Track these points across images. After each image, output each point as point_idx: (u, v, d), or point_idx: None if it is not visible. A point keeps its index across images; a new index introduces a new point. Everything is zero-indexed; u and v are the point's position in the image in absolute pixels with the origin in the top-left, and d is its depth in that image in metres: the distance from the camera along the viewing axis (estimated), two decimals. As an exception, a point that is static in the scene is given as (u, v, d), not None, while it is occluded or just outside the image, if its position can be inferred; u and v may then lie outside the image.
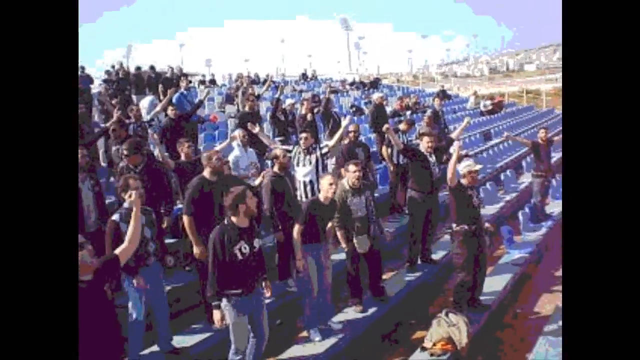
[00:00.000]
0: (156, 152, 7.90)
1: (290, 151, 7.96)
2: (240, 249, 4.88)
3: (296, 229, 6.09)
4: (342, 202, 6.58)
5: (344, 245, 6.66)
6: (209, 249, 4.99)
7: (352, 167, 6.68)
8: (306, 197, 7.67)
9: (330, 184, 6.15)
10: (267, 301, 5.45)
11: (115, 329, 3.80)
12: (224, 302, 4.97)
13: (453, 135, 9.16)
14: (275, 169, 7.08)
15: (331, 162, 9.55)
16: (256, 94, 13.33)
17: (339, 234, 6.63)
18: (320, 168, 8.05)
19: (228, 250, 4.84)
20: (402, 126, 11.00)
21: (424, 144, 8.11)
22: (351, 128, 9.45)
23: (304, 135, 8.23)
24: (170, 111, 10.28)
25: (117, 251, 3.99)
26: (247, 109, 10.90)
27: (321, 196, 6.24)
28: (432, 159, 8.12)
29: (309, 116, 11.46)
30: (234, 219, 4.93)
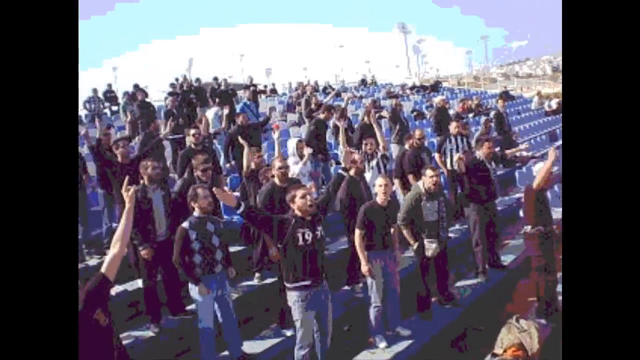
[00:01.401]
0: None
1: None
2: (302, 235, 5.00)
3: (356, 234, 6.14)
4: (415, 203, 6.64)
5: (411, 242, 6.70)
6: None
7: (429, 172, 6.73)
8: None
9: (383, 186, 6.18)
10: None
11: (118, 354, 3.50)
12: (294, 295, 5.10)
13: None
14: (352, 172, 7.14)
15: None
16: (319, 102, 13.45)
17: (404, 232, 6.68)
18: (382, 172, 8.06)
19: (291, 235, 4.99)
20: (456, 130, 10.45)
21: (484, 151, 7.99)
22: (417, 134, 9.42)
23: (367, 141, 8.31)
24: (240, 119, 10.43)
25: (104, 268, 3.57)
26: (321, 116, 10.93)
27: (378, 199, 6.25)
28: (491, 165, 8.02)
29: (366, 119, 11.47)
30: (296, 212, 5.11)
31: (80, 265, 7.30)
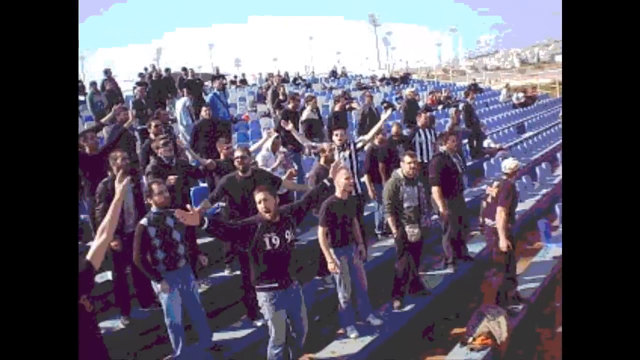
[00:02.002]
0: (187, 154, 8.04)
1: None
2: (269, 239, 4.90)
3: (319, 231, 6.07)
4: (395, 190, 6.67)
5: (394, 230, 6.75)
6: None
7: (407, 158, 6.76)
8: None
9: (347, 179, 6.11)
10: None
11: (95, 342, 3.57)
12: (263, 295, 5.05)
13: (366, 137, 8.73)
14: (321, 162, 7.13)
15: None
16: (287, 92, 13.44)
17: (389, 219, 6.75)
18: (355, 164, 8.06)
19: (258, 240, 4.88)
20: (424, 122, 10.45)
21: (449, 144, 8.01)
22: (393, 130, 9.48)
23: (339, 131, 8.22)
24: (204, 112, 10.39)
25: (89, 255, 3.61)
26: (290, 107, 10.98)
27: (338, 193, 6.13)
28: (457, 159, 8.09)
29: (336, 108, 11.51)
30: (263, 214, 4.99)
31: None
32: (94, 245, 3.72)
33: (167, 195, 5.63)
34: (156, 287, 5.54)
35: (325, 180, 5.65)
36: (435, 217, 8.57)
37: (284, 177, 6.82)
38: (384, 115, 9.05)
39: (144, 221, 5.47)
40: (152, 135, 8.51)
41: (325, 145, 7.35)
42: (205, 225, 4.70)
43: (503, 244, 6.50)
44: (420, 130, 10.11)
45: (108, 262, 6.40)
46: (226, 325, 6.39)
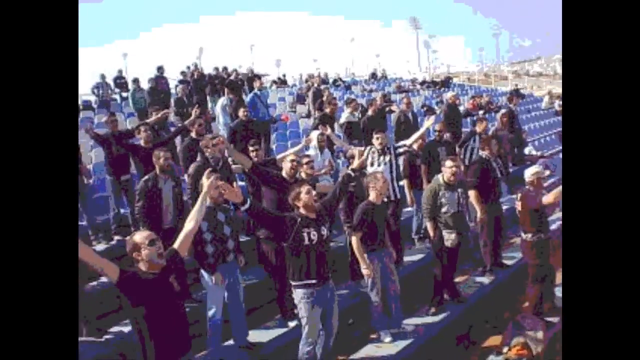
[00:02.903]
0: (226, 154, 8.09)
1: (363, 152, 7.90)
2: (308, 234, 4.97)
3: (354, 237, 6.06)
4: (434, 195, 6.62)
5: (431, 234, 6.71)
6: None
7: (449, 163, 6.71)
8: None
9: (385, 182, 6.14)
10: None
11: (182, 320, 3.95)
12: (300, 292, 5.09)
13: (408, 142, 8.58)
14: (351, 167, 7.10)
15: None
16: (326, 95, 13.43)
17: (428, 224, 6.70)
18: (394, 169, 8.00)
19: (297, 235, 4.95)
20: (478, 128, 10.46)
21: (490, 149, 7.93)
22: (437, 127, 9.32)
23: (380, 135, 8.12)
24: (241, 113, 10.43)
25: (176, 244, 4.10)
26: (328, 111, 10.87)
27: (373, 197, 6.15)
28: (497, 164, 7.99)
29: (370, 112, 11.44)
30: (301, 211, 5.08)
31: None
32: (182, 233, 4.16)
33: (221, 191, 5.74)
34: (205, 278, 5.66)
35: (349, 171, 5.68)
36: (471, 224, 8.50)
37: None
38: (426, 123, 8.89)
39: None
40: (193, 134, 8.61)
41: (355, 150, 7.29)
42: (247, 205, 4.78)
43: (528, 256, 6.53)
44: (477, 137, 10.02)
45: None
46: (260, 324, 6.43)
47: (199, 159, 7.35)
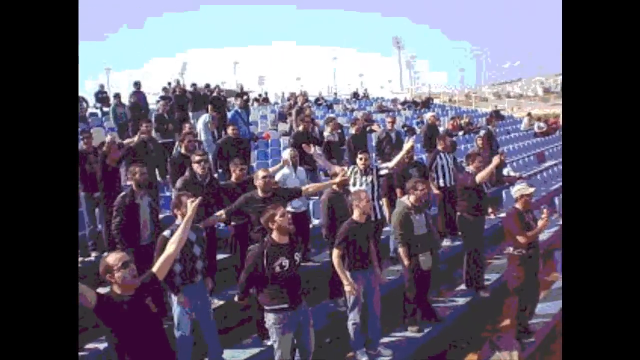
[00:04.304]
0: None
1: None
2: (280, 265, 4.98)
3: (335, 254, 6.05)
4: (405, 219, 6.61)
5: (405, 262, 6.65)
6: (246, 262, 5.17)
7: (420, 186, 6.72)
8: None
9: (368, 201, 6.15)
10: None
11: (161, 339, 3.92)
12: (272, 317, 5.07)
13: (390, 164, 8.55)
14: (334, 186, 7.12)
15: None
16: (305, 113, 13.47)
17: (401, 250, 6.65)
18: (376, 189, 8.02)
19: (268, 267, 4.96)
20: (439, 146, 10.32)
21: (476, 165, 8.05)
22: (408, 148, 9.36)
23: (363, 155, 8.12)
24: (230, 130, 10.39)
25: (155, 268, 4.06)
26: (300, 129, 10.91)
27: (356, 215, 6.15)
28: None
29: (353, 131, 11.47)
30: (273, 236, 5.07)
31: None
32: (162, 256, 4.14)
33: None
34: (174, 299, 5.59)
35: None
36: (446, 243, 8.56)
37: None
38: (406, 145, 8.93)
39: (166, 233, 5.48)
40: (182, 150, 8.57)
41: (337, 168, 7.33)
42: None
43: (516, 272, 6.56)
44: (441, 154, 10.06)
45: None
46: (236, 343, 6.38)
47: (187, 174, 7.32)
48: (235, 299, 5.34)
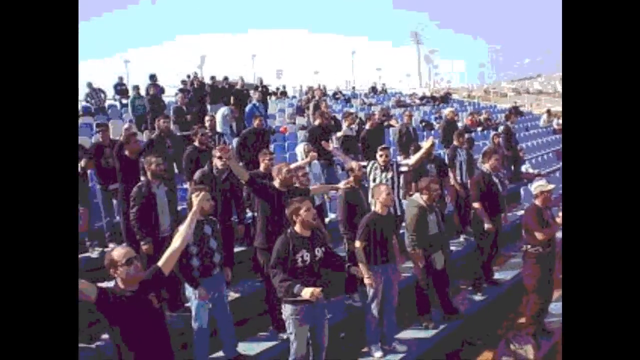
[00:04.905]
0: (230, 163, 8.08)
1: (365, 166, 7.93)
2: (301, 257, 5.00)
3: (357, 245, 6.09)
4: (421, 218, 6.59)
5: (420, 264, 6.63)
6: (272, 256, 5.13)
7: (434, 186, 6.70)
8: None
9: (387, 194, 6.15)
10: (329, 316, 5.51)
11: (162, 336, 3.91)
12: (289, 309, 5.09)
13: (410, 161, 8.41)
14: (350, 181, 7.12)
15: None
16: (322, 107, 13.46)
17: (416, 251, 6.61)
18: (396, 185, 7.98)
19: (290, 258, 4.97)
20: (456, 142, 10.26)
21: (491, 163, 7.98)
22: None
23: (383, 152, 8.09)
24: (257, 122, 10.39)
25: (160, 262, 4.04)
26: (317, 123, 10.90)
27: (378, 208, 6.19)
28: (498, 179, 8.00)
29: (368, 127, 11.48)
30: (296, 228, 5.08)
31: (82, 256, 7.34)
32: (168, 250, 4.10)
33: (212, 203, 5.75)
34: (193, 292, 5.63)
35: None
36: (462, 237, 8.48)
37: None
38: (427, 144, 8.86)
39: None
40: (196, 143, 8.60)
41: (354, 164, 7.31)
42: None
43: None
44: (459, 150, 10.01)
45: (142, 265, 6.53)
46: (252, 336, 6.42)
47: (206, 167, 7.35)
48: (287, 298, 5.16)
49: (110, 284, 3.87)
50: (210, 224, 5.75)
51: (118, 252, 3.77)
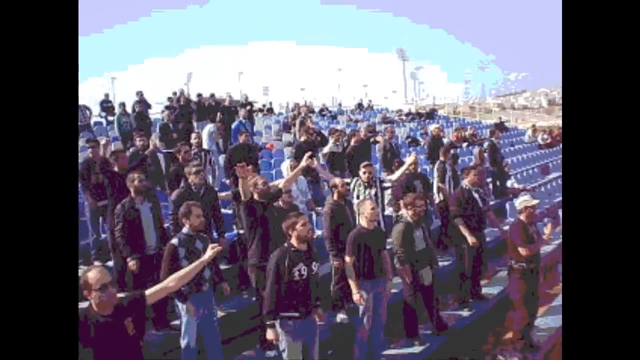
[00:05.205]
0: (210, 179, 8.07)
1: (349, 183, 7.94)
2: (299, 271, 4.99)
3: (347, 261, 6.10)
4: (407, 235, 6.59)
5: (408, 280, 6.62)
6: (268, 269, 5.13)
7: (419, 202, 6.72)
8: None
9: (372, 209, 6.16)
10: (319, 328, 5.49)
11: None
12: (280, 324, 5.07)
13: (393, 177, 8.65)
14: (335, 197, 7.15)
15: (387, 193, 9.46)
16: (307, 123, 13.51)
17: (404, 267, 6.60)
18: (380, 201, 7.99)
19: (288, 271, 4.97)
20: (442, 157, 10.50)
21: (470, 178, 8.01)
22: (412, 160, 9.35)
23: (366, 169, 8.14)
24: (242, 137, 10.40)
25: (149, 292, 3.93)
26: (302, 140, 10.91)
27: (364, 223, 6.20)
28: (477, 194, 8.02)
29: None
30: (292, 242, 5.09)
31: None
32: (160, 285, 4.04)
33: (203, 220, 5.76)
34: (182, 307, 5.61)
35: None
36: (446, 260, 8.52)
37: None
38: (409, 159, 8.93)
39: (174, 241, 5.58)
40: (181, 160, 8.59)
41: (337, 180, 7.35)
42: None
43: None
44: (447, 165, 10.11)
45: (128, 282, 6.49)
46: (236, 354, 6.37)
47: (182, 185, 7.35)
48: (266, 320, 5.18)
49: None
50: (202, 239, 5.74)
51: (93, 275, 3.60)
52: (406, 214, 6.73)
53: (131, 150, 10.19)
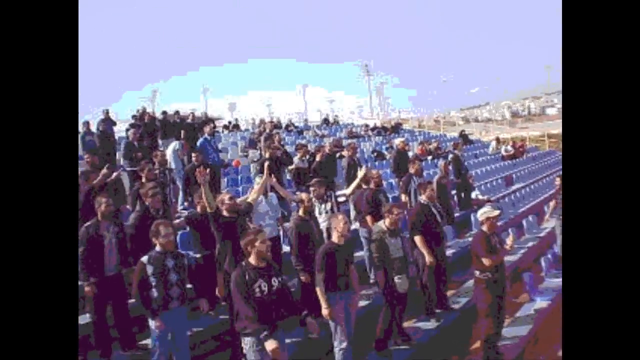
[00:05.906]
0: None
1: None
2: (259, 287, 5.00)
3: (317, 277, 6.11)
4: (380, 242, 6.67)
5: (382, 285, 6.70)
6: (232, 288, 5.13)
7: (395, 210, 6.82)
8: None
9: (345, 223, 6.21)
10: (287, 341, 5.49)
11: None
12: (248, 340, 5.05)
13: (347, 191, 8.90)
14: (300, 212, 7.18)
15: (351, 208, 9.52)
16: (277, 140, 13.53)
17: (378, 273, 6.69)
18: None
19: (247, 288, 4.98)
20: (411, 169, 10.80)
21: (428, 194, 8.11)
22: (374, 174, 9.42)
23: (313, 186, 8.27)
24: (193, 157, 10.41)
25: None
26: (267, 156, 10.96)
27: (335, 237, 6.24)
28: (436, 209, 8.11)
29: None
30: (250, 259, 5.10)
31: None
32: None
33: (173, 238, 5.74)
34: (152, 324, 5.57)
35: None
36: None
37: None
38: (360, 172, 9.07)
39: (144, 258, 5.58)
40: (144, 180, 8.52)
41: (304, 195, 7.42)
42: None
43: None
44: (414, 178, 10.23)
45: (87, 304, 6.40)
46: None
47: (138, 207, 7.28)
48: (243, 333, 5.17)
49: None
50: (174, 257, 5.71)
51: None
52: (382, 223, 6.80)
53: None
